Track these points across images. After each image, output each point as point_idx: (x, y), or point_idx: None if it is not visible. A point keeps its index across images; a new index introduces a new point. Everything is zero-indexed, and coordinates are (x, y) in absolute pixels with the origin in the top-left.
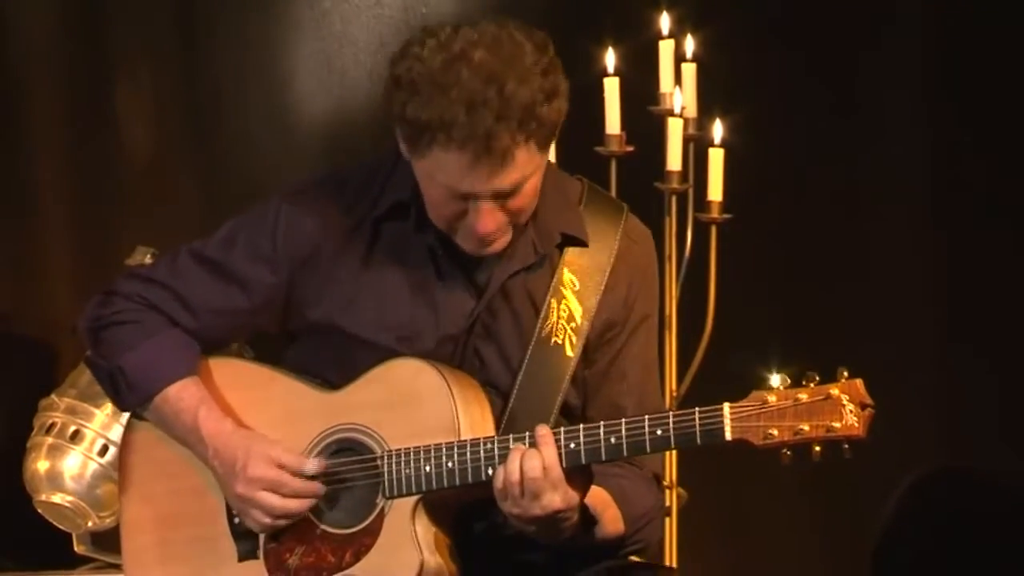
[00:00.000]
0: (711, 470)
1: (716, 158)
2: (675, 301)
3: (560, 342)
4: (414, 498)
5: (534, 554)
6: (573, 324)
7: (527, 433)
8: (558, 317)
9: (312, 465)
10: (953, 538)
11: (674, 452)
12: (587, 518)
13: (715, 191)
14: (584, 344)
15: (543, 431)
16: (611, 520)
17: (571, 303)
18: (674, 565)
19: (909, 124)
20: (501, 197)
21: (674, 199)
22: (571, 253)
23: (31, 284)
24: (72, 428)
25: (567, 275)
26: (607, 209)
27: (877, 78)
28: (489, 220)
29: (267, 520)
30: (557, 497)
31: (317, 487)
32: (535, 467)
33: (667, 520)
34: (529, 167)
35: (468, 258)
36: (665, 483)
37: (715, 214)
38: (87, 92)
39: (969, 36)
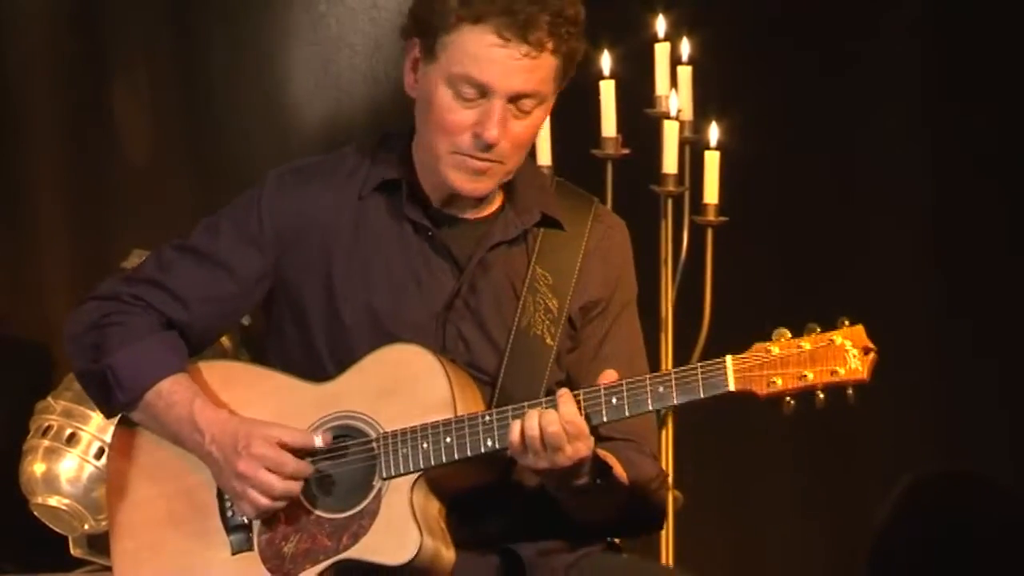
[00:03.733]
0: (708, 472)
1: (712, 161)
2: (671, 304)
3: (539, 333)
4: (412, 477)
5: (530, 543)
6: (550, 316)
7: (541, 400)
8: (535, 311)
9: (319, 440)
10: (950, 539)
11: (670, 452)
12: (600, 465)
13: (711, 194)
14: (564, 329)
15: (562, 391)
16: (618, 476)
17: (546, 298)
18: (671, 561)
19: (907, 126)
20: (515, 102)
21: (670, 202)
22: (544, 244)
23: (27, 286)
24: (68, 431)
25: (540, 271)
26: (577, 200)
27: (874, 80)
28: (498, 124)
29: (265, 501)
30: (582, 445)
31: (310, 467)
32: (552, 421)
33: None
34: (546, 85)
35: (452, 238)
36: None
37: (711, 217)
38: (83, 95)
39: (969, 37)
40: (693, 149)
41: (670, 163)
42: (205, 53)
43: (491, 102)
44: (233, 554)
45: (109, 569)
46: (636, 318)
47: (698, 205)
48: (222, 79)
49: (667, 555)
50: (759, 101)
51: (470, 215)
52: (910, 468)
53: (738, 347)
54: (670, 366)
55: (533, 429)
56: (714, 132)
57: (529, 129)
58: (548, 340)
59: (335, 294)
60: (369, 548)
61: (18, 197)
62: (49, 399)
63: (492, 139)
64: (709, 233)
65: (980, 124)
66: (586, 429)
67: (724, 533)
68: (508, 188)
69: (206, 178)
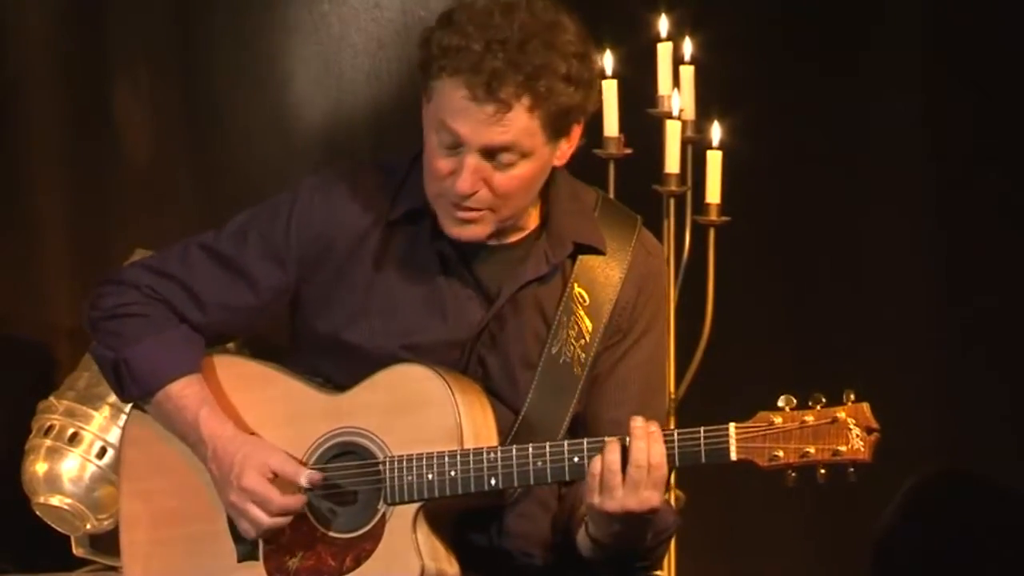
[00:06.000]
0: (710, 473)
1: (714, 160)
2: (673, 303)
3: (569, 360)
4: (416, 505)
5: (533, 562)
6: (582, 341)
7: (545, 444)
8: (567, 335)
9: (305, 478)
10: (954, 540)
11: None
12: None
13: (713, 194)
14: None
15: (652, 426)
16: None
17: (581, 320)
18: (673, 568)
19: (908, 126)
20: (489, 156)
21: (672, 202)
22: (582, 265)
23: (29, 286)
24: (70, 431)
25: (577, 289)
26: (621, 220)
27: (876, 80)
28: (468, 177)
29: (253, 532)
30: (655, 494)
31: (303, 500)
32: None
33: None
34: (525, 139)
35: (480, 266)
36: None
37: (713, 216)
38: (85, 94)
39: (969, 38)
40: (695, 149)
41: (672, 163)
42: (206, 52)
43: (464, 154)
44: (238, 562)
45: (111, 568)
46: (660, 350)
47: (700, 205)
48: (224, 78)
49: (668, 556)
50: (761, 101)
51: (499, 240)
52: (912, 471)
53: (739, 350)
54: (673, 367)
55: (614, 464)
56: (716, 132)
57: (515, 180)
58: (576, 369)
59: (351, 317)
60: (371, 573)
61: (19, 197)
62: (51, 399)
63: (461, 191)
64: (711, 233)
65: (981, 122)
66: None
67: (724, 534)
68: (545, 212)
69: (207, 177)
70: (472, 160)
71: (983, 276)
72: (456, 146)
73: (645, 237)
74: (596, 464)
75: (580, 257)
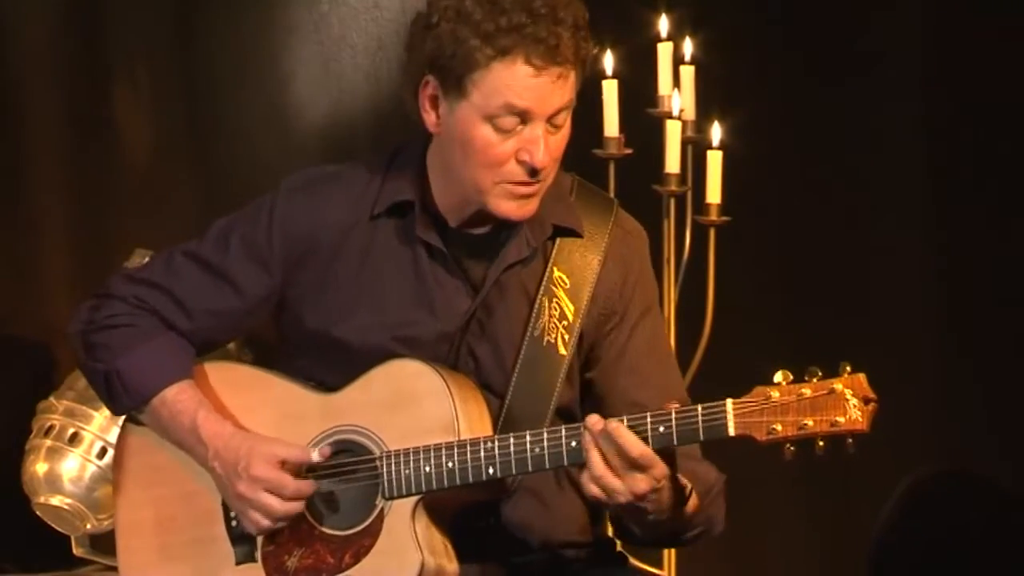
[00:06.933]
0: None
1: (714, 160)
2: (674, 303)
3: (553, 341)
4: (414, 499)
5: (533, 554)
6: (565, 323)
7: (543, 430)
8: (549, 316)
9: (317, 453)
10: (951, 540)
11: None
12: (677, 495)
13: (713, 194)
14: (579, 340)
15: (612, 423)
16: (692, 501)
17: (562, 301)
18: (673, 568)
19: (909, 127)
20: (552, 122)
21: (672, 201)
22: (562, 248)
23: (30, 286)
24: (71, 431)
25: (557, 273)
26: (597, 203)
27: (876, 81)
28: (545, 148)
29: (266, 522)
30: (657, 472)
31: (314, 485)
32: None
33: None
34: (572, 92)
35: (466, 256)
36: None
37: (713, 216)
38: (86, 94)
39: (969, 40)
40: (695, 149)
41: (672, 163)
42: (206, 52)
43: (533, 128)
44: (236, 564)
45: (111, 568)
46: (659, 325)
47: (700, 205)
48: (224, 78)
49: (668, 556)
50: (761, 101)
51: (484, 229)
52: (910, 471)
53: (739, 350)
54: None
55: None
56: (716, 132)
57: (563, 140)
58: (561, 349)
59: (339, 314)
60: (370, 569)
61: (21, 197)
62: (51, 399)
63: (542, 164)
64: (711, 233)
65: (981, 121)
66: (647, 461)
67: (724, 534)
68: None
69: (208, 177)
70: (541, 130)
71: (983, 275)
72: (520, 124)
73: (623, 218)
74: (592, 488)
75: (559, 240)
